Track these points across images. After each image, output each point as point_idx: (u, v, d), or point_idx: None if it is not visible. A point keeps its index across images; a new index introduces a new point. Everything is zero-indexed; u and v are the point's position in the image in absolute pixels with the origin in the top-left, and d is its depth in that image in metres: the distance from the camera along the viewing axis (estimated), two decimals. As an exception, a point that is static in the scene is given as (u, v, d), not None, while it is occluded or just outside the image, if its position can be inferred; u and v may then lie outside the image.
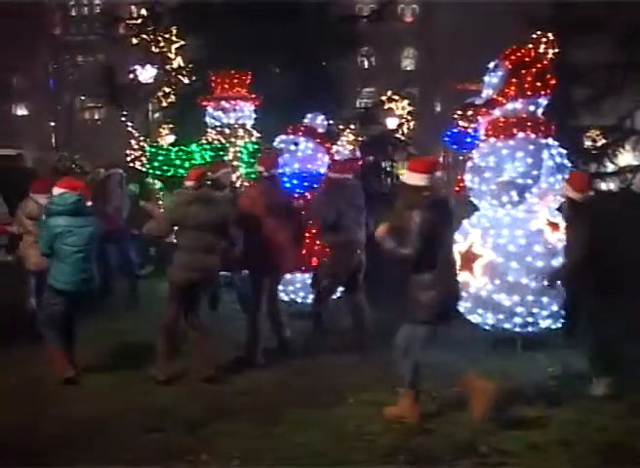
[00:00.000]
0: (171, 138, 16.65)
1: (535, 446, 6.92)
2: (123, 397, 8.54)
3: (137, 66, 24.25)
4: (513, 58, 10.28)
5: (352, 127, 12.76)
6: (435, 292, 7.58)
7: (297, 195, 11.73)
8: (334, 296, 11.10)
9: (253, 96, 13.97)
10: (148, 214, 12.40)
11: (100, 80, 18.93)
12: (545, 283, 9.27)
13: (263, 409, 8.02)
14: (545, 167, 9.99)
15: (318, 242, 11.67)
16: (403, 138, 17.54)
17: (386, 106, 16.62)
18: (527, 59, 10.27)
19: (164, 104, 17.74)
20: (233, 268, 10.58)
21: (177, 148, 13.89)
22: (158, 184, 16.77)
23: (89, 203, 9.62)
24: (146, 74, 23.98)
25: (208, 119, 13.94)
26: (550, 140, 10.27)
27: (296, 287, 11.96)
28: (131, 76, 24.05)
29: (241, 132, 13.66)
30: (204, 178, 9.64)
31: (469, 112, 10.42)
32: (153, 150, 13.99)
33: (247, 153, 13.21)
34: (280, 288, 11.61)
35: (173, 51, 17.11)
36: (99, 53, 59.12)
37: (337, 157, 12.21)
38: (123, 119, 14.86)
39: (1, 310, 11.63)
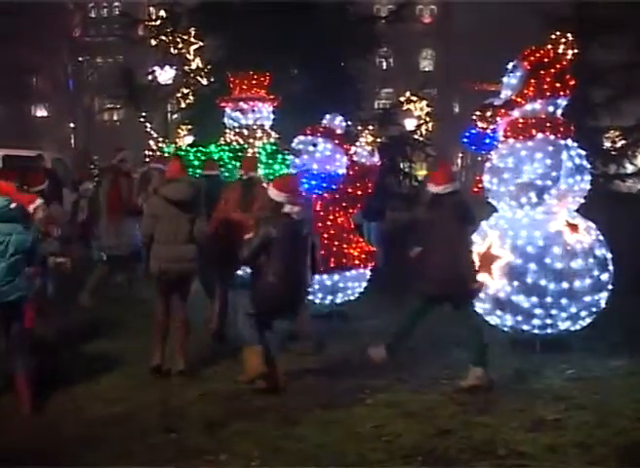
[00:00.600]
0: (189, 139, 16.66)
1: (553, 448, 6.89)
2: (141, 396, 8.56)
3: (155, 68, 24.30)
4: (532, 58, 10.25)
5: (371, 128, 12.73)
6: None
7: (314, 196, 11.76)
8: None
9: (271, 96, 13.99)
10: None
11: (119, 81, 19.02)
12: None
13: (282, 409, 8.03)
14: (564, 168, 9.96)
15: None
16: (421, 139, 17.51)
17: (405, 107, 16.59)
18: (546, 60, 10.24)
19: (182, 105, 17.76)
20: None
21: (195, 149, 13.90)
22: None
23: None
24: (165, 75, 24.04)
25: (226, 120, 13.97)
26: (569, 141, 10.23)
27: (313, 287, 11.94)
28: (150, 77, 24.10)
29: (259, 133, 13.68)
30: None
31: (488, 113, 10.37)
32: (172, 151, 14.03)
33: (265, 154, 13.21)
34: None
35: (191, 52, 17.14)
36: (118, 54, 59.20)
37: (355, 158, 12.22)
38: (142, 120, 14.93)
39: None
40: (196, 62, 17.16)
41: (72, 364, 9.76)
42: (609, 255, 10.16)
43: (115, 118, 69.34)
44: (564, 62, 10.31)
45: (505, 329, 10.27)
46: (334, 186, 12.01)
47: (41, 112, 71.98)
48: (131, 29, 21.88)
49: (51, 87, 64.92)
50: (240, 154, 13.21)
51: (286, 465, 6.68)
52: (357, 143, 12.39)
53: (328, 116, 12.50)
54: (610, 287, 10.15)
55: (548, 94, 10.20)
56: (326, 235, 11.77)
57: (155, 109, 20.59)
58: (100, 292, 13.14)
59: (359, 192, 12.23)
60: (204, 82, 17.26)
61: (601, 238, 10.19)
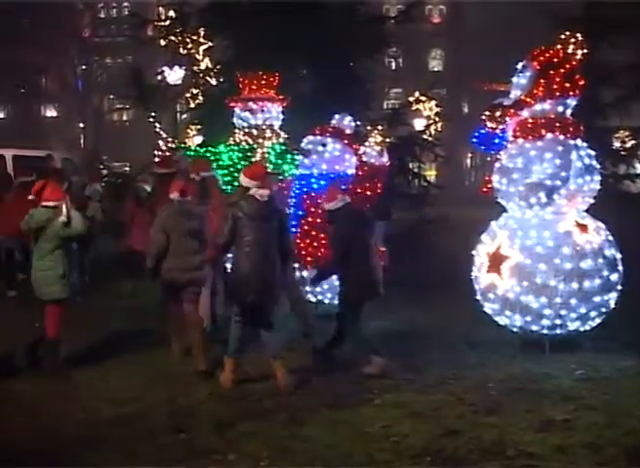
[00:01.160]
0: (198, 140, 16.66)
1: (562, 448, 6.88)
2: (151, 396, 8.58)
3: (165, 68, 24.34)
4: (542, 58, 10.24)
5: (380, 128, 12.73)
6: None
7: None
8: None
9: (280, 97, 13.98)
10: None
11: (128, 81, 19.00)
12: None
13: (290, 409, 8.03)
14: (574, 168, 9.94)
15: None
16: (431, 140, 17.47)
17: (414, 107, 16.55)
18: (555, 60, 10.23)
19: (192, 106, 17.73)
20: None
21: (204, 149, 13.90)
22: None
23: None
24: (174, 75, 24.07)
25: (236, 120, 13.96)
26: (579, 141, 10.22)
27: (323, 287, 11.95)
28: (159, 77, 24.14)
29: (269, 133, 13.67)
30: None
31: (497, 113, 10.37)
32: (190, 153, 14.04)
33: (275, 154, 13.20)
34: (307, 289, 11.69)
35: (201, 52, 17.12)
36: (127, 54, 59.31)
37: (364, 158, 12.21)
38: (151, 120, 14.93)
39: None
40: (205, 63, 17.13)
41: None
42: (618, 256, 10.14)
43: (124, 118, 69.47)
44: (573, 62, 10.30)
45: (515, 329, 10.26)
46: (343, 186, 12.01)
47: (50, 112, 72.15)
48: (140, 30, 21.85)
49: (60, 87, 65.05)
50: (249, 154, 13.21)
51: (294, 465, 6.69)
52: (366, 143, 12.39)
53: (337, 116, 12.52)
54: (619, 287, 10.13)
55: (558, 94, 10.19)
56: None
57: (164, 109, 20.56)
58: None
59: (368, 192, 12.22)
60: (213, 82, 17.22)
61: (610, 238, 10.17)
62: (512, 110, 10.32)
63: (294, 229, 12.14)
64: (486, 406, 8.03)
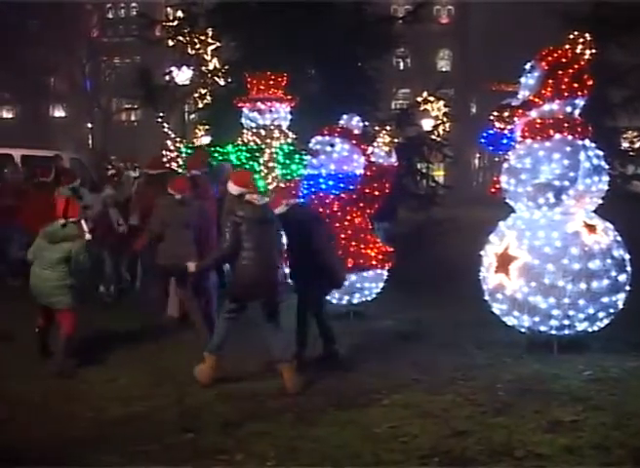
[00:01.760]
0: (206, 140, 16.68)
1: (570, 449, 6.87)
2: (159, 396, 8.59)
3: (173, 68, 24.39)
4: (550, 58, 10.22)
5: (388, 128, 12.73)
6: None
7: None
8: None
9: (288, 97, 13.99)
10: None
11: (136, 82, 19.03)
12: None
13: (298, 409, 8.04)
14: (582, 168, 9.92)
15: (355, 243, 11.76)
16: (439, 140, 17.47)
17: (422, 108, 16.55)
18: (564, 60, 10.21)
19: (200, 106, 17.77)
20: None
21: (212, 149, 13.91)
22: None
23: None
24: (182, 76, 24.13)
25: (244, 120, 13.97)
26: (587, 142, 10.19)
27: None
28: (167, 78, 24.17)
29: (277, 133, 13.67)
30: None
31: (505, 113, 10.35)
32: (189, 151, 14.04)
33: (283, 154, 13.21)
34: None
35: (209, 52, 17.14)
36: (135, 55, 59.46)
37: (372, 158, 12.22)
38: (159, 120, 14.93)
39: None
40: (213, 63, 17.16)
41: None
42: (627, 256, 10.12)
43: (132, 118, 69.63)
44: (582, 63, 10.27)
45: (523, 330, 10.25)
46: (351, 187, 12.03)
47: (59, 112, 72.32)
48: (148, 30, 21.90)
49: (68, 87, 65.19)
50: (257, 155, 13.22)
51: (302, 465, 6.69)
52: (374, 144, 12.39)
53: (345, 116, 12.52)
54: (628, 288, 10.11)
55: (566, 94, 10.16)
56: (343, 235, 11.79)
57: (172, 110, 20.60)
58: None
59: (377, 192, 12.24)
60: (221, 82, 17.26)
61: (619, 239, 10.15)
62: (520, 111, 10.30)
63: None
64: (494, 406, 8.02)
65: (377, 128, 13.40)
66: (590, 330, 10.10)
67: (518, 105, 10.33)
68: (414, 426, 7.51)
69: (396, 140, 12.57)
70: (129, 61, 63.45)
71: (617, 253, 9.97)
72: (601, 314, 9.94)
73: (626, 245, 10.21)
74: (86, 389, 8.91)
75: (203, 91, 17.29)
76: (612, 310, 10.04)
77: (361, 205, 12.16)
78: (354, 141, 12.24)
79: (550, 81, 10.13)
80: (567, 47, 10.34)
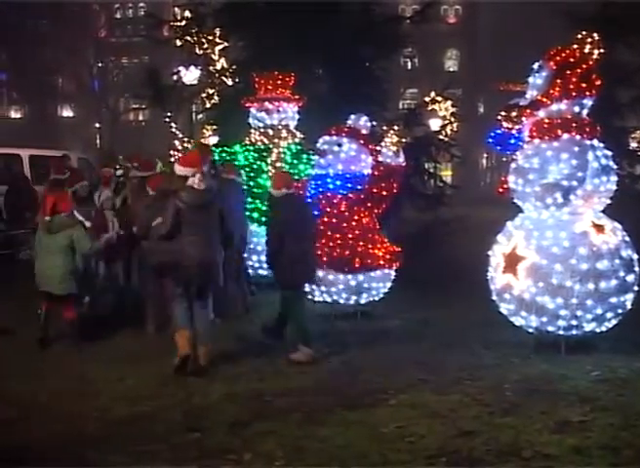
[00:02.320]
0: (214, 139, 16.70)
1: (578, 449, 6.85)
2: (166, 396, 8.60)
3: (180, 68, 24.40)
4: (558, 58, 10.19)
5: (396, 128, 12.72)
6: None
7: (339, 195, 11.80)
8: None
9: (296, 97, 14.00)
10: None
11: (144, 82, 19.07)
12: None
13: (305, 409, 8.03)
14: (590, 168, 9.90)
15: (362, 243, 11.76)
16: (446, 140, 17.46)
17: (430, 107, 16.55)
18: (572, 60, 10.18)
19: (207, 105, 17.80)
20: None
21: (220, 149, 13.94)
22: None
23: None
24: (190, 76, 24.13)
25: (251, 120, 14.00)
26: (595, 142, 10.17)
27: (338, 288, 11.96)
28: (175, 78, 24.18)
29: (284, 133, 13.69)
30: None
31: (513, 113, 10.33)
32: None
33: (290, 154, 13.23)
34: (323, 289, 11.72)
35: (216, 52, 17.17)
36: (143, 55, 59.49)
37: (380, 158, 12.21)
38: (167, 120, 14.96)
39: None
40: (221, 63, 17.19)
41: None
42: (635, 257, 10.09)
43: (140, 118, 69.70)
44: (590, 62, 10.25)
45: (530, 330, 10.23)
46: (359, 186, 12.03)
47: (67, 112, 72.44)
48: (156, 30, 21.94)
49: (76, 87, 65.30)
50: (265, 154, 13.24)
51: (309, 465, 6.68)
52: (382, 144, 12.39)
53: (353, 116, 12.52)
54: (636, 288, 10.08)
55: (574, 94, 10.14)
56: (351, 235, 11.80)
57: (180, 109, 20.63)
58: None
59: (384, 192, 12.23)
60: (229, 82, 17.28)
61: (627, 239, 10.12)
62: (528, 110, 10.28)
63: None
64: (502, 406, 8.00)
65: (384, 128, 13.40)
66: (598, 330, 10.08)
67: (526, 105, 10.31)
68: (421, 426, 7.50)
69: (404, 140, 12.57)
70: (137, 61, 63.50)
71: (625, 253, 9.94)
72: (609, 314, 9.92)
73: (635, 245, 10.18)
74: (93, 389, 8.91)
75: (211, 91, 17.32)
76: (620, 310, 10.01)
77: (369, 205, 12.16)
78: (362, 141, 12.24)
79: (558, 81, 10.11)
80: (575, 46, 10.32)
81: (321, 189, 12.14)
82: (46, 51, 59.12)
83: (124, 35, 70.01)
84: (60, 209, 10.65)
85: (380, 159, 12.25)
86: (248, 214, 13.12)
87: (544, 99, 10.18)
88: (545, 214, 10.09)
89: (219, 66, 17.20)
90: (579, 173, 9.82)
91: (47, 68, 59.83)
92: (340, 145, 12.10)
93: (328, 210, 12.03)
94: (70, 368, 9.75)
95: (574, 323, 9.83)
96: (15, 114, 71.65)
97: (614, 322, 10.09)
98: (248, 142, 13.90)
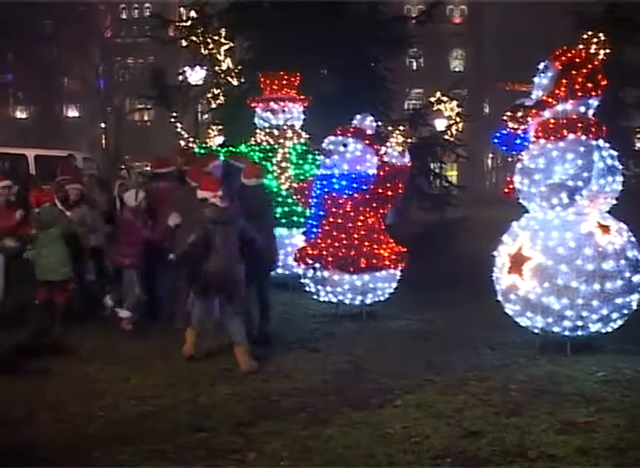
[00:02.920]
0: (220, 140, 16.72)
1: (584, 450, 6.84)
2: (172, 395, 8.60)
3: (186, 68, 24.40)
4: (563, 58, 10.18)
5: (401, 128, 12.71)
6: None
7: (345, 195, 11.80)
8: None
9: (302, 97, 14.00)
10: None
11: (149, 82, 19.10)
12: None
13: (311, 409, 8.03)
14: (596, 169, 9.88)
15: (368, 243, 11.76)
16: (452, 140, 17.45)
17: (435, 108, 16.56)
18: (577, 60, 10.17)
19: (213, 106, 17.83)
20: None
21: (225, 149, 13.95)
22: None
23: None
24: (196, 76, 24.12)
25: (257, 120, 14.00)
26: (601, 142, 10.16)
27: (344, 288, 11.95)
28: (180, 78, 24.20)
29: (290, 133, 13.69)
30: None
31: (519, 113, 10.32)
32: (202, 151, 14.08)
33: (296, 154, 13.23)
34: (328, 289, 11.72)
35: (222, 52, 17.20)
36: (148, 55, 59.59)
37: (385, 158, 12.20)
38: (172, 120, 14.98)
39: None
40: (227, 63, 17.22)
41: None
42: (641, 257, 10.08)
43: (146, 118, 69.78)
44: (596, 62, 10.24)
45: (536, 330, 10.22)
46: (364, 187, 12.02)
47: (72, 112, 72.57)
48: (162, 30, 21.94)
49: (82, 87, 65.41)
50: (271, 154, 13.24)
51: (314, 465, 6.68)
52: (388, 144, 12.38)
53: (358, 116, 12.52)
54: (642, 288, 10.07)
55: (580, 94, 10.13)
56: (356, 235, 11.80)
57: (186, 110, 20.65)
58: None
59: (390, 193, 12.22)
60: (234, 82, 17.30)
61: (633, 239, 10.11)
62: (534, 111, 10.27)
63: (315, 229, 12.17)
64: (507, 407, 8.00)
65: (390, 128, 13.39)
66: (604, 331, 10.06)
67: (532, 105, 10.30)
68: (426, 426, 7.49)
69: (409, 140, 12.55)
70: (142, 62, 63.68)
71: (631, 253, 9.93)
72: (614, 315, 9.90)
73: (641, 245, 10.17)
74: (100, 388, 8.92)
75: (216, 91, 17.36)
76: (625, 311, 10.00)
77: (374, 205, 12.15)
78: (367, 141, 12.23)
79: (564, 81, 10.10)
80: (581, 47, 10.30)
81: (327, 189, 12.13)
82: (52, 51, 59.26)
83: (129, 35, 70.16)
84: (41, 201, 11.78)
85: (386, 159, 12.24)
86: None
87: (550, 100, 10.17)
88: (551, 215, 10.08)
89: (224, 66, 17.23)
90: (584, 173, 9.81)
91: (52, 68, 59.93)
92: (345, 145, 12.09)
93: (333, 210, 12.02)
94: (76, 367, 9.76)
95: (579, 323, 9.82)
96: (20, 114, 71.80)
97: (619, 322, 10.07)
98: (253, 142, 13.90)
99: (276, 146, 13.67)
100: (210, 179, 10.71)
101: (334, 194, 12.09)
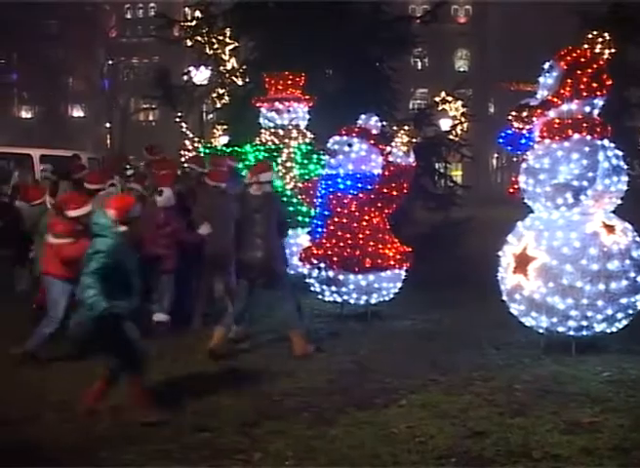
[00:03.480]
0: (225, 139, 16.73)
1: (588, 450, 6.83)
2: (176, 395, 8.61)
3: (191, 68, 24.43)
4: (569, 58, 10.18)
5: (406, 128, 12.71)
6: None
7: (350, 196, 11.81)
8: None
9: (306, 97, 14.00)
10: None
11: (154, 82, 19.11)
12: None
13: (316, 409, 8.04)
14: (601, 168, 9.88)
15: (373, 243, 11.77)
16: (457, 140, 17.44)
17: (440, 107, 16.55)
18: (582, 60, 10.17)
19: (218, 106, 17.83)
20: None
21: (230, 149, 13.95)
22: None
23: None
24: (200, 76, 24.15)
25: (262, 120, 14.01)
26: (606, 142, 10.15)
27: (349, 288, 11.95)
28: (185, 78, 24.21)
29: (295, 133, 13.70)
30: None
31: (524, 113, 10.31)
32: (207, 151, 14.09)
33: (301, 154, 13.23)
34: (333, 289, 11.73)
35: (227, 52, 17.20)
36: (153, 54, 59.63)
37: (390, 158, 12.21)
38: (177, 120, 14.98)
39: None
40: (231, 63, 17.22)
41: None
42: (646, 257, 10.07)
43: (151, 118, 69.83)
44: (601, 62, 10.23)
45: (541, 330, 10.21)
46: (369, 187, 12.02)
47: (77, 112, 72.66)
48: (166, 30, 21.95)
49: (87, 87, 65.49)
50: (276, 154, 13.25)
51: (319, 465, 6.69)
52: (392, 144, 12.38)
53: (363, 116, 12.51)
54: (647, 288, 10.06)
55: (585, 94, 10.12)
56: (361, 235, 11.80)
57: (191, 110, 20.65)
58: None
59: (395, 192, 12.22)
60: (239, 82, 17.30)
61: (638, 239, 10.10)
62: (539, 110, 10.27)
63: (320, 229, 12.17)
64: (512, 407, 8.00)
65: (395, 128, 13.38)
66: (609, 331, 10.06)
67: (537, 105, 10.29)
68: (431, 426, 7.50)
69: (414, 140, 12.54)
70: (147, 61, 63.73)
71: (636, 253, 9.92)
72: (619, 315, 9.90)
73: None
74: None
75: (221, 91, 17.35)
76: (630, 311, 9.99)
77: (379, 205, 12.15)
78: (372, 141, 12.23)
79: (569, 81, 10.09)
80: (586, 46, 10.30)
81: (331, 189, 12.14)
82: (56, 51, 59.32)
83: (134, 35, 70.21)
84: (29, 198, 12.05)
85: (391, 159, 12.24)
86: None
87: (555, 99, 10.16)
88: (556, 215, 10.07)
89: (229, 66, 17.23)
90: (589, 173, 9.81)
91: (57, 68, 60.00)
92: (350, 145, 12.09)
93: (338, 210, 12.02)
94: (84, 367, 9.76)
95: (584, 323, 9.81)
96: (25, 114, 71.91)
97: (624, 322, 10.06)
98: (258, 142, 13.91)
99: (281, 146, 13.67)
100: (259, 165, 11.13)
101: (339, 194, 12.09)
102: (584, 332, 9.95)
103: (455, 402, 8.22)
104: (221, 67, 17.34)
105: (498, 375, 9.14)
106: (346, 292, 12.02)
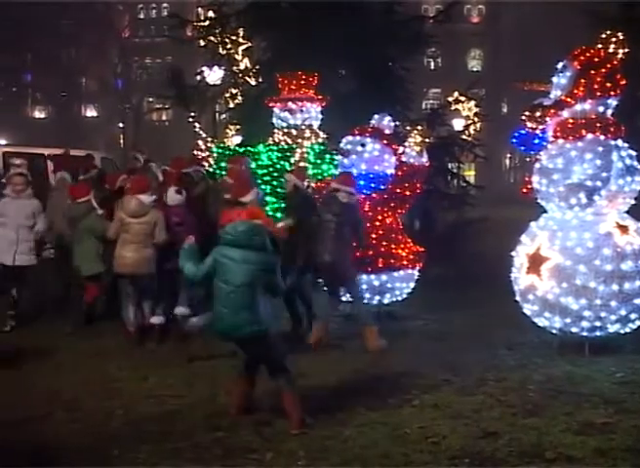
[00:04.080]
0: (237, 139, 16.71)
1: (601, 451, 6.82)
2: (189, 395, 8.62)
3: (204, 68, 24.40)
4: (582, 58, 10.16)
5: (419, 128, 12.70)
6: None
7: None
8: None
9: (319, 97, 13.99)
10: None
11: (167, 81, 19.12)
12: None
13: (329, 409, 8.03)
14: (615, 169, 9.86)
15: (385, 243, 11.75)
16: (470, 140, 17.39)
17: (453, 107, 16.50)
18: (596, 60, 10.15)
19: (231, 105, 17.80)
20: None
21: (243, 149, 13.94)
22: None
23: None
24: (214, 76, 24.10)
25: (275, 120, 13.99)
26: (620, 142, 10.13)
27: (362, 288, 11.92)
28: (198, 78, 24.20)
29: (308, 133, 13.67)
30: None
31: (537, 113, 10.29)
32: (220, 151, 14.08)
33: (314, 154, 13.21)
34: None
35: (240, 52, 17.17)
36: (166, 54, 59.63)
37: (403, 158, 12.20)
38: (190, 120, 14.99)
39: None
40: (244, 63, 17.18)
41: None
42: (659, 258, 10.03)
43: (164, 118, 69.88)
44: (614, 62, 10.21)
45: (554, 331, 10.20)
46: (382, 186, 12.01)
47: (91, 112, 72.79)
48: (179, 30, 21.95)
49: (100, 87, 65.58)
50: (289, 154, 13.23)
51: (331, 465, 6.69)
52: (406, 144, 12.37)
53: (376, 116, 12.52)
54: (660, 289, 10.02)
55: (599, 94, 10.11)
56: (374, 235, 11.79)
57: (204, 109, 20.64)
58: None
59: (408, 192, 12.21)
60: (252, 82, 17.29)
61: (652, 240, 10.07)
62: (552, 110, 10.25)
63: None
64: (525, 407, 7.99)
65: (408, 128, 13.38)
66: (622, 331, 10.04)
67: (550, 105, 10.28)
68: (444, 427, 7.49)
69: (427, 140, 12.53)
70: (160, 61, 63.68)
71: (649, 254, 9.89)
72: (633, 315, 9.88)
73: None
74: (118, 387, 8.96)
75: (234, 91, 17.32)
76: (644, 312, 9.97)
77: (392, 205, 12.15)
78: (385, 141, 12.23)
79: (583, 80, 10.08)
80: (599, 46, 10.28)
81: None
82: (70, 51, 59.44)
83: (147, 35, 70.19)
84: (76, 195, 11.98)
85: (404, 159, 12.24)
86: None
87: (569, 99, 10.15)
88: (569, 215, 10.05)
89: (242, 66, 17.19)
90: (603, 173, 9.79)
91: (71, 68, 60.13)
92: (363, 145, 12.09)
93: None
94: (96, 366, 9.79)
95: (597, 324, 9.80)
96: (39, 114, 72.08)
97: (638, 323, 10.05)
98: (271, 142, 13.88)
99: (294, 146, 13.64)
100: (347, 175, 11.36)
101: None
102: (598, 333, 9.93)
103: (467, 402, 8.22)
104: (235, 67, 17.31)
105: (510, 376, 9.13)
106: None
